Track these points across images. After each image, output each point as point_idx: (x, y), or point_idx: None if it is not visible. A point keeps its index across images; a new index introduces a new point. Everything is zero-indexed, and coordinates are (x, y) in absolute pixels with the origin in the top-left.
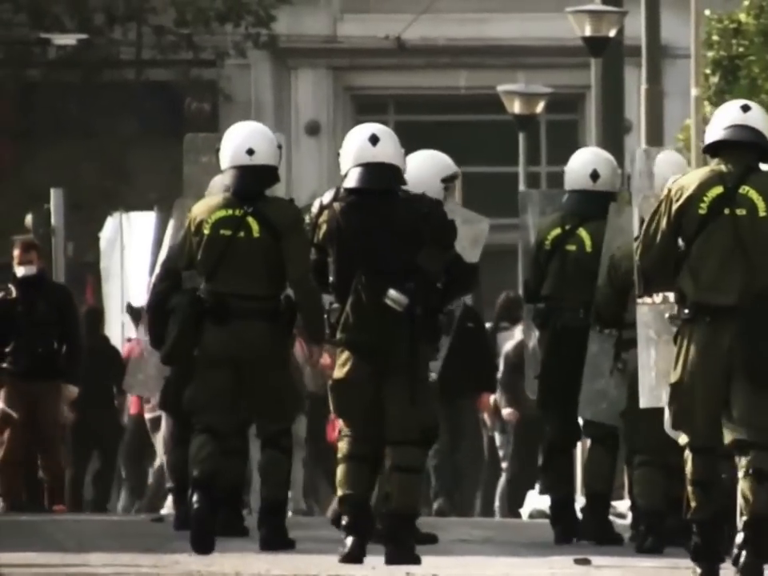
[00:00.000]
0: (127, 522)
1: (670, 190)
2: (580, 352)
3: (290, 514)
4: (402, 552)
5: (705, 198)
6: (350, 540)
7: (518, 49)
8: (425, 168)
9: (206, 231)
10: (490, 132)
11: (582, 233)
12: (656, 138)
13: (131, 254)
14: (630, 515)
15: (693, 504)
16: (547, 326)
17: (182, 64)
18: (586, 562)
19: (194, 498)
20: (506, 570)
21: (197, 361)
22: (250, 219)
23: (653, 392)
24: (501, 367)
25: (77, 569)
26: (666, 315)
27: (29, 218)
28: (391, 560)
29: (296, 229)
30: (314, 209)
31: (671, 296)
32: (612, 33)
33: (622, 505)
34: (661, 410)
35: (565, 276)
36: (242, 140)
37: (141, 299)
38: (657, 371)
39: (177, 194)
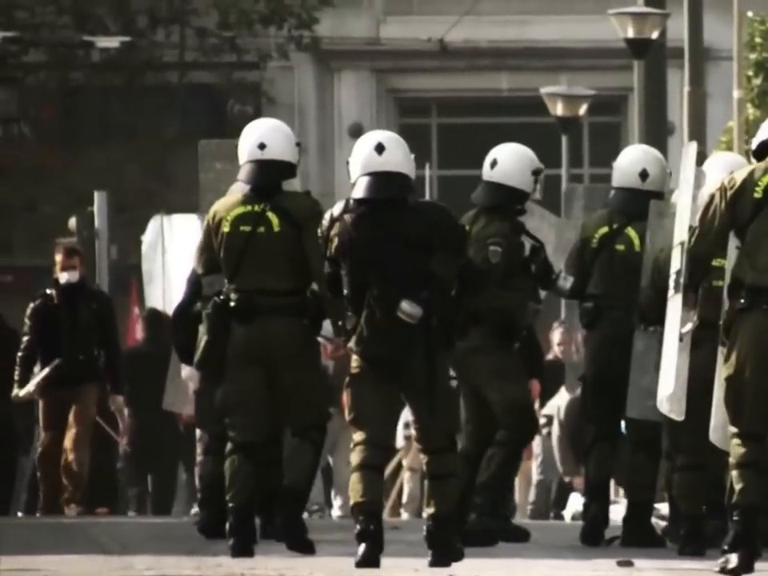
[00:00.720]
0: (170, 525)
1: (723, 182)
2: (629, 353)
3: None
4: (445, 555)
5: (759, 183)
6: (362, 547)
7: (561, 51)
8: (516, 160)
9: (226, 229)
10: (532, 134)
11: (631, 232)
12: (698, 140)
13: (172, 256)
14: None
15: (738, 487)
16: (595, 326)
17: (224, 66)
18: (629, 564)
19: (231, 522)
20: (548, 571)
21: (227, 362)
22: (270, 214)
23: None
24: None
25: (120, 572)
26: (687, 328)
27: (72, 221)
28: (435, 563)
29: (315, 220)
30: (325, 222)
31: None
32: (655, 35)
33: (664, 507)
34: (707, 410)
35: (613, 275)
36: (255, 136)
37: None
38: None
39: (220, 196)
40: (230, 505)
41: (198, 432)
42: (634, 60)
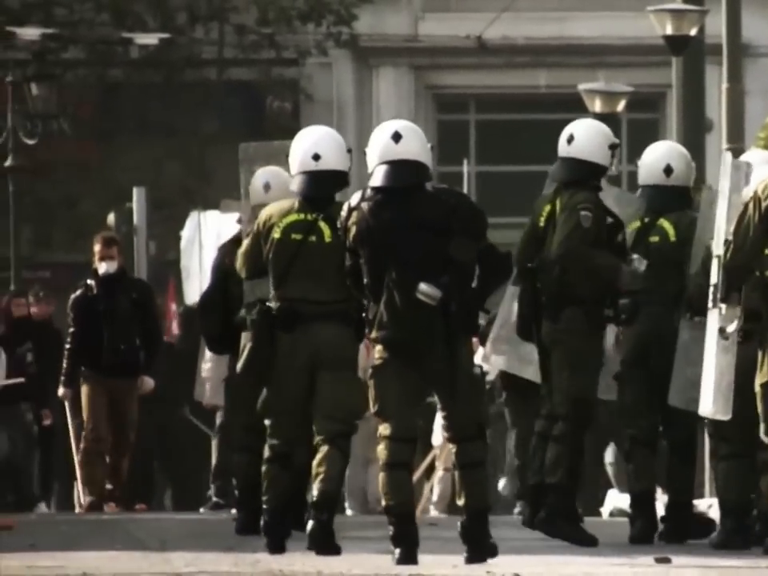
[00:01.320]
0: (208, 521)
1: (756, 191)
2: (668, 350)
3: None
4: (480, 550)
5: None
6: (398, 551)
7: (599, 47)
8: (593, 135)
9: (276, 235)
10: None
11: (665, 223)
12: (737, 137)
13: (209, 252)
14: (710, 513)
15: None
16: (634, 322)
17: (263, 63)
18: (667, 560)
19: (266, 521)
20: (587, 568)
21: (273, 368)
22: (322, 224)
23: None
24: None
25: (158, 568)
26: (732, 327)
27: (111, 217)
28: (471, 559)
29: None
30: (343, 212)
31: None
32: (693, 31)
33: (703, 503)
34: (753, 399)
35: (649, 269)
36: (308, 145)
37: None
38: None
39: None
40: (265, 507)
41: (217, 419)
42: (672, 57)
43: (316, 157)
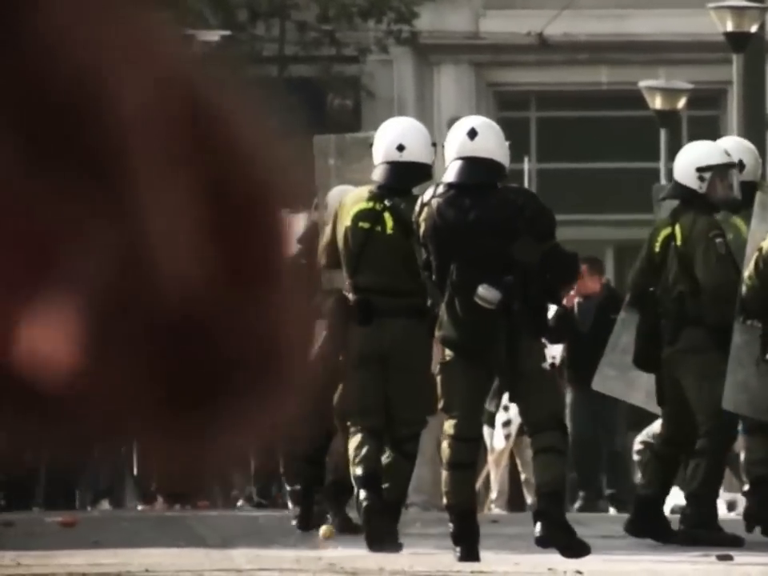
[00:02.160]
0: (270, 518)
1: None
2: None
3: None
4: (554, 529)
5: None
6: (459, 548)
7: (659, 44)
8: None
9: (347, 222)
10: (631, 128)
11: (737, 221)
12: None
13: None
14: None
15: None
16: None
17: (324, 60)
18: (729, 558)
19: (362, 496)
20: (648, 565)
21: (347, 360)
22: (386, 214)
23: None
24: None
25: (220, 565)
26: None
27: None
28: (543, 539)
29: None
30: (417, 206)
31: None
32: (754, 28)
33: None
34: None
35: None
36: (393, 136)
37: None
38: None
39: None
40: (358, 474)
41: None
42: (732, 53)
43: (400, 147)
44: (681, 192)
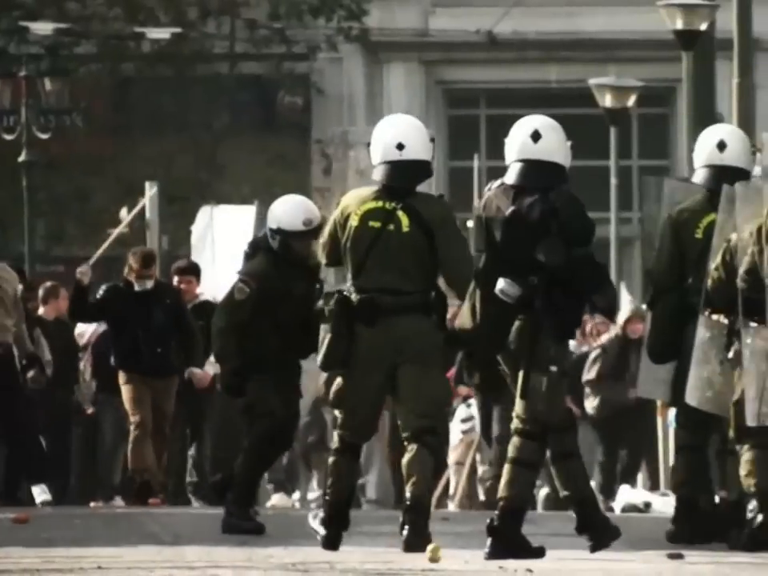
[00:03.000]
0: (221, 515)
1: None
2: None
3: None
4: (602, 535)
5: None
6: (489, 540)
7: (609, 42)
8: (744, 141)
9: (354, 223)
10: (581, 126)
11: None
12: (747, 132)
13: (221, 246)
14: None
15: None
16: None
17: (274, 58)
18: (679, 556)
19: (327, 515)
20: (600, 564)
21: (350, 361)
22: (401, 213)
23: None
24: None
25: (172, 561)
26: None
27: (124, 212)
28: (595, 547)
29: (446, 225)
30: (481, 202)
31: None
32: (703, 26)
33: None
34: None
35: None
36: (392, 135)
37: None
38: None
39: (270, 187)
40: (328, 499)
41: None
42: (682, 51)
43: (400, 146)
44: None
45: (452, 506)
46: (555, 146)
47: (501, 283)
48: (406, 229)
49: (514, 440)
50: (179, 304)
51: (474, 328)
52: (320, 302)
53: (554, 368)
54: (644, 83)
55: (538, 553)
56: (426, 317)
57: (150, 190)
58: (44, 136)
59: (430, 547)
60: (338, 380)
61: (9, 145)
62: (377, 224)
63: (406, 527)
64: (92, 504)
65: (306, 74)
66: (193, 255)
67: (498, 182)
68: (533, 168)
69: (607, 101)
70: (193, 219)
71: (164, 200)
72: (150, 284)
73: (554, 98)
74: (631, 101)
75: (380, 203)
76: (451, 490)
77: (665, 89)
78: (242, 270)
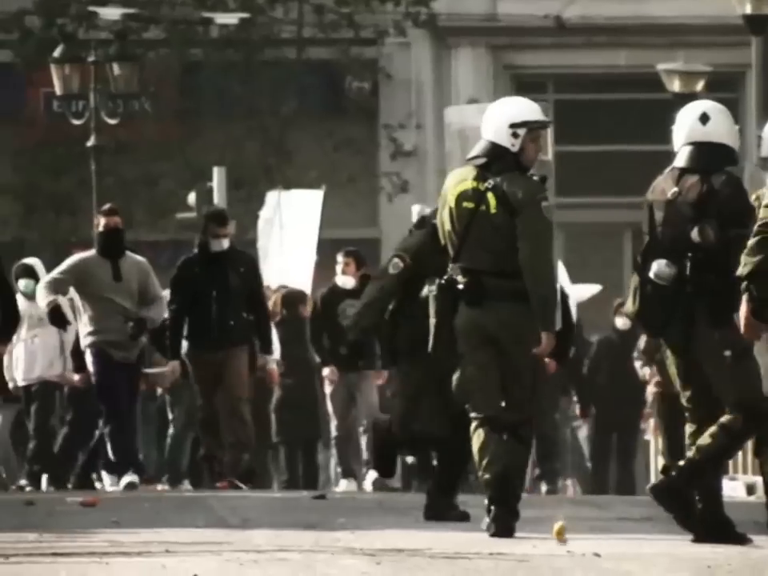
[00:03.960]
0: (290, 499)
1: None
2: None
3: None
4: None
5: None
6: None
7: (678, 27)
8: None
9: (451, 203)
10: (649, 111)
11: None
12: None
13: (290, 232)
14: None
15: None
16: None
17: (342, 43)
18: (748, 540)
19: (491, 495)
20: (667, 548)
21: (459, 344)
22: (490, 195)
23: None
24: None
25: (240, 545)
26: None
27: (192, 197)
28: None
29: (530, 207)
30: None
31: None
32: None
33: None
34: None
35: None
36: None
37: (302, 281)
38: None
39: (337, 171)
40: (485, 477)
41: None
42: (752, 36)
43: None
44: None
45: None
46: (724, 128)
47: (654, 266)
48: (493, 210)
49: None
50: (254, 273)
51: (634, 312)
52: (426, 289)
53: (727, 353)
54: (713, 68)
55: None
56: (525, 306)
57: (218, 174)
58: (112, 121)
59: (556, 527)
60: (456, 374)
61: (77, 130)
62: (470, 205)
63: (492, 512)
64: (159, 487)
65: (373, 58)
66: (260, 240)
67: (669, 167)
68: (701, 150)
69: (676, 86)
70: (260, 204)
71: (231, 185)
72: (225, 244)
73: (622, 83)
74: (700, 86)
75: (474, 184)
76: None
77: (734, 74)
78: (398, 246)
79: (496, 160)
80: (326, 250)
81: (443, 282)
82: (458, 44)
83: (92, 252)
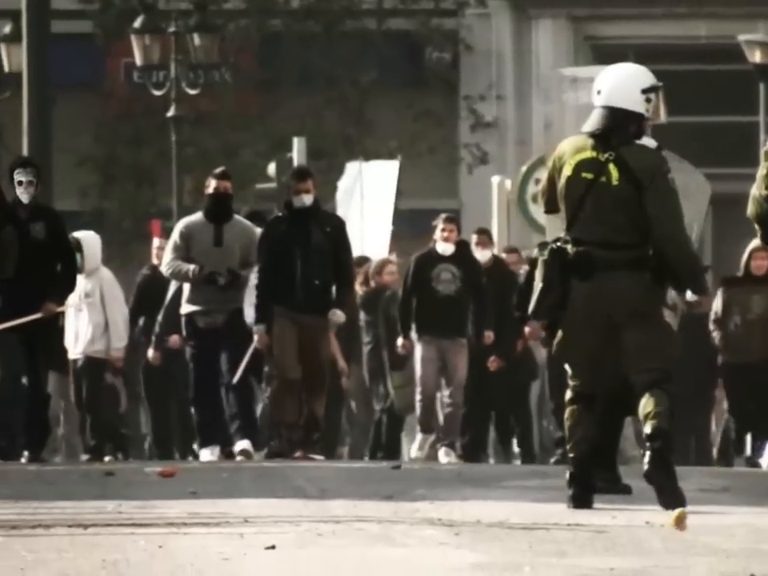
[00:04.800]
0: (369, 469)
1: None
2: None
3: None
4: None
5: None
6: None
7: None
8: None
9: (568, 172)
10: (729, 82)
11: None
12: None
13: (370, 202)
14: None
15: None
16: None
17: (422, 13)
18: None
19: (572, 472)
20: (745, 519)
21: (565, 318)
22: (611, 166)
23: None
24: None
25: (318, 515)
26: None
27: (272, 167)
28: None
29: (658, 179)
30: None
31: None
32: None
33: None
34: None
35: None
36: None
37: (379, 250)
38: None
39: (416, 142)
40: (571, 455)
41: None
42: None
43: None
44: None
45: None
46: None
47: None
48: (615, 182)
49: None
50: (341, 235)
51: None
52: (534, 251)
53: None
54: None
55: None
56: (640, 272)
57: (298, 145)
58: (193, 92)
59: (675, 513)
60: (560, 333)
61: (158, 100)
62: (589, 175)
63: (648, 458)
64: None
65: (454, 29)
66: (339, 210)
67: None
68: None
69: (757, 57)
70: (339, 174)
71: (311, 155)
72: (308, 200)
73: (703, 54)
74: None
75: (594, 153)
76: None
77: None
78: None
79: (619, 129)
80: (405, 221)
81: (555, 247)
82: (539, 15)
83: (198, 215)
